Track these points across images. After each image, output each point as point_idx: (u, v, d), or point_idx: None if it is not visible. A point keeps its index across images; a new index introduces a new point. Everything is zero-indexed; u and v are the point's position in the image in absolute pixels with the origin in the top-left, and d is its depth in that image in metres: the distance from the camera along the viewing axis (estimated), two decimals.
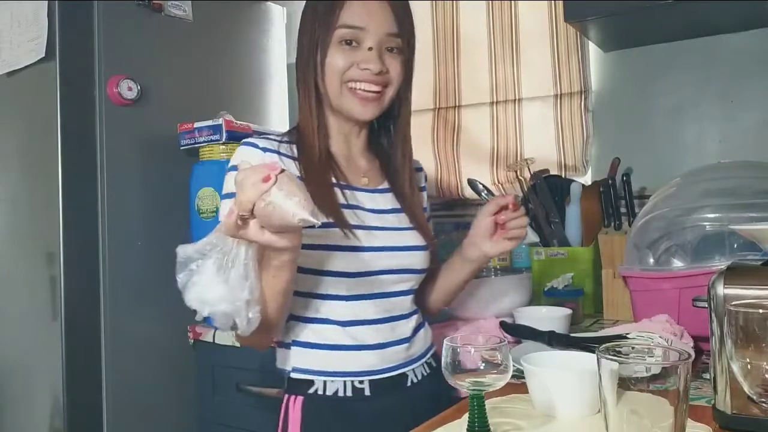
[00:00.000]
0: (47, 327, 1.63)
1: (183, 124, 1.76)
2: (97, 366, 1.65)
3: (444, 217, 2.08)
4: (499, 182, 1.99)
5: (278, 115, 2.21)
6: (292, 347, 1.04)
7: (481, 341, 0.76)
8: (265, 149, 1.03)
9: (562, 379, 0.84)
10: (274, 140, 1.07)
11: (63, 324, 1.60)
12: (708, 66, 1.71)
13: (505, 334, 1.24)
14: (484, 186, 1.90)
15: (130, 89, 1.69)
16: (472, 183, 1.92)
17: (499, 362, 0.73)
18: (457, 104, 2.08)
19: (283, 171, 0.75)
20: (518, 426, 0.82)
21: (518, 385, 0.90)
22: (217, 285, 0.80)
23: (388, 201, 1.12)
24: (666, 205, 1.30)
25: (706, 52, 1.71)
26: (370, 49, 1.03)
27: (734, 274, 0.79)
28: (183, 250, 0.83)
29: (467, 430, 0.75)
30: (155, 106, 1.77)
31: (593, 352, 0.65)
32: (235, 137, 1.70)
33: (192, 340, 1.75)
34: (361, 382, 1.03)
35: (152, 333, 1.74)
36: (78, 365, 1.62)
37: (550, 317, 1.33)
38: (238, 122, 1.72)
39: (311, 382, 1.03)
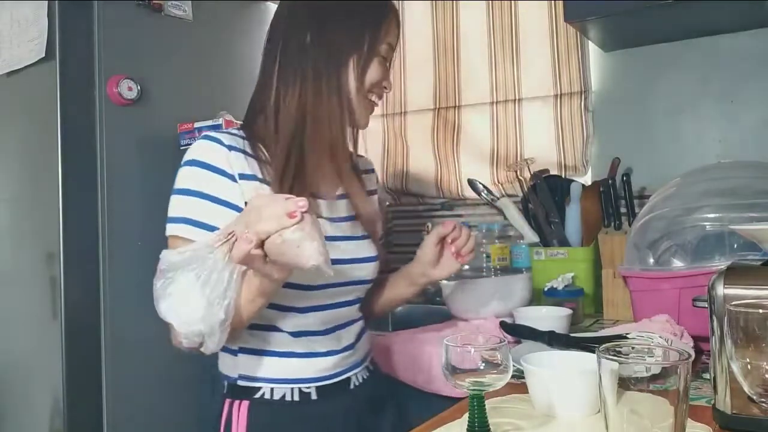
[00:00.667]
0: (47, 327, 1.63)
1: (183, 124, 1.76)
2: (97, 366, 1.65)
3: (444, 218, 2.08)
4: (499, 182, 1.99)
5: None
6: (239, 354, 1.02)
7: (481, 341, 0.76)
8: (230, 147, 0.97)
9: (562, 379, 0.84)
10: (237, 136, 1.01)
11: (63, 324, 1.60)
12: (708, 66, 1.71)
13: (505, 334, 1.24)
14: (484, 186, 1.91)
15: (130, 89, 1.69)
16: (472, 183, 1.92)
17: (499, 362, 0.73)
18: (457, 104, 2.08)
19: (307, 210, 0.74)
20: (518, 426, 0.82)
21: (518, 385, 0.90)
22: (196, 302, 0.78)
23: (343, 208, 1.09)
24: (666, 205, 1.30)
25: (706, 52, 1.71)
26: (389, 66, 1.06)
27: (734, 274, 0.79)
28: (167, 257, 0.80)
29: (467, 430, 0.75)
30: (155, 106, 1.77)
31: (593, 352, 0.65)
32: None
33: None
34: (308, 387, 1.02)
35: (152, 333, 1.72)
36: (78, 365, 1.62)
37: (550, 317, 1.33)
38: (238, 122, 1.72)
39: (257, 388, 1.01)
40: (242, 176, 0.96)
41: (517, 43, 1.97)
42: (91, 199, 1.66)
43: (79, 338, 1.62)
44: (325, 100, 0.99)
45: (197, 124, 1.72)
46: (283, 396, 1.01)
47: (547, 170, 1.85)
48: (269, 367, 1.01)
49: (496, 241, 1.89)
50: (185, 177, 0.97)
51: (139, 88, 1.71)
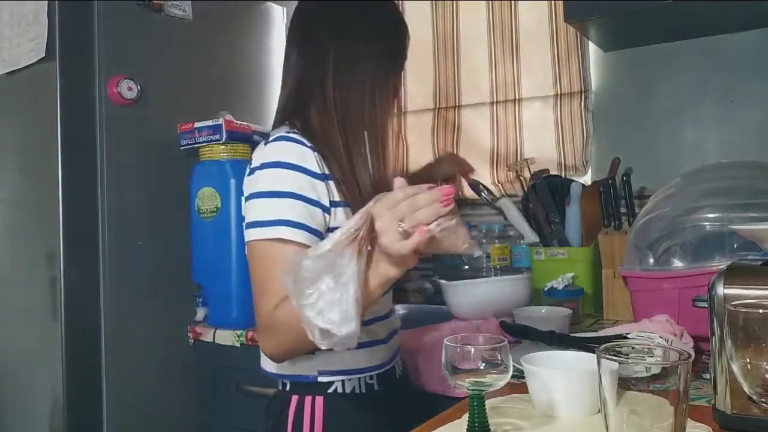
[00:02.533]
0: (47, 327, 1.63)
1: (183, 124, 1.76)
2: (97, 366, 1.65)
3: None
4: (499, 182, 1.99)
5: None
6: (316, 352, 1.02)
7: (481, 341, 0.76)
8: (312, 147, 0.97)
9: (562, 379, 0.84)
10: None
11: (63, 324, 1.60)
12: (708, 66, 1.71)
13: (505, 334, 1.24)
14: (484, 186, 1.91)
15: (130, 89, 1.69)
16: (472, 183, 1.92)
17: (499, 362, 0.73)
18: (457, 104, 2.08)
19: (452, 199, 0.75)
20: (518, 426, 0.82)
21: (518, 385, 0.90)
22: (343, 303, 0.77)
23: None
24: (666, 205, 1.30)
25: (706, 52, 1.71)
26: None
27: (734, 274, 0.79)
28: (308, 266, 0.77)
29: (467, 430, 0.75)
30: (155, 106, 1.77)
31: (593, 352, 0.65)
32: (235, 137, 1.70)
33: (192, 340, 1.75)
34: (371, 377, 1.07)
35: (152, 333, 1.74)
36: (78, 365, 1.62)
37: (550, 317, 1.33)
38: (238, 122, 1.72)
39: (329, 384, 1.04)
40: (325, 176, 0.98)
41: (517, 43, 1.97)
42: (91, 199, 1.66)
43: (79, 338, 1.62)
44: (382, 106, 1.04)
45: (197, 124, 1.72)
46: (353, 389, 1.06)
47: (547, 170, 1.84)
48: (343, 360, 1.04)
49: (496, 241, 1.89)
50: (274, 179, 0.95)
51: (139, 88, 1.71)
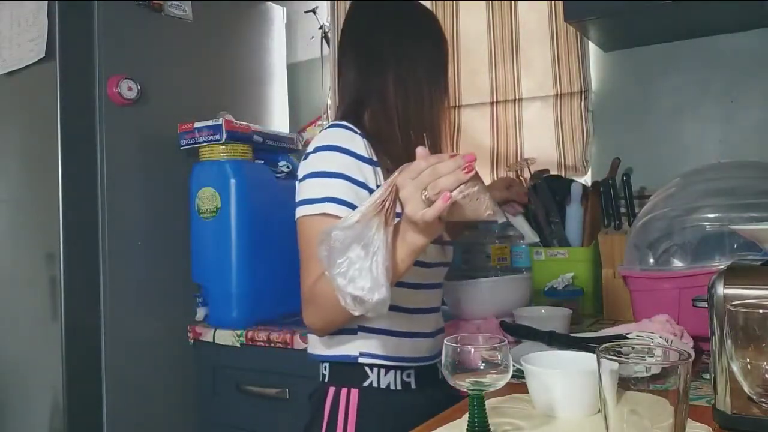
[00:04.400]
0: (47, 327, 1.63)
1: (183, 124, 1.76)
2: (97, 366, 1.65)
3: None
4: None
5: (278, 115, 2.21)
6: (358, 332, 1.05)
7: (481, 341, 0.76)
8: (362, 135, 1.02)
9: (562, 379, 0.84)
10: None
11: (63, 324, 1.60)
12: (708, 66, 1.71)
13: (505, 334, 1.24)
14: None
15: (130, 89, 1.69)
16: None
17: (499, 362, 0.73)
18: (457, 104, 2.08)
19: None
20: (518, 426, 0.82)
21: (518, 385, 0.90)
22: (374, 270, 0.79)
23: None
24: (666, 205, 1.30)
25: (706, 52, 1.71)
26: None
27: (734, 274, 0.79)
28: (337, 235, 0.80)
29: (467, 430, 0.75)
30: (155, 106, 1.77)
31: (593, 352, 0.65)
32: (235, 137, 1.70)
33: (192, 340, 1.75)
34: (408, 375, 1.09)
35: (152, 333, 1.74)
36: (78, 365, 1.62)
37: (550, 317, 1.33)
38: (238, 122, 1.72)
39: (365, 375, 1.06)
40: (373, 162, 1.02)
41: (517, 43, 1.97)
42: (91, 199, 1.66)
43: (79, 338, 1.63)
44: (438, 106, 1.11)
45: (197, 124, 1.72)
46: (389, 385, 1.07)
47: (547, 170, 1.84)
48: (386, 345, 1.06)
49: (496, 241, 1.89)
50: (325, 160, 1.00)
51: (139, 88, 1.71)
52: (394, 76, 1.08)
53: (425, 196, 0.76)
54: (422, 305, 1.10)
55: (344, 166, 0.99)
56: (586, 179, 1.85)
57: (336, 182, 0.98)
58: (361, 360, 1.06)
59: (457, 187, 0.75)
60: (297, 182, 1.03)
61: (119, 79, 1.67)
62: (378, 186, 1.00)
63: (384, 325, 1.06)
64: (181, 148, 1.77)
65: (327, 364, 1.09)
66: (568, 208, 1.71)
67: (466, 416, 0.77)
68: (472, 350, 0.73)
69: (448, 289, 1.54)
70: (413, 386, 1.09)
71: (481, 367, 0.73)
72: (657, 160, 1.76)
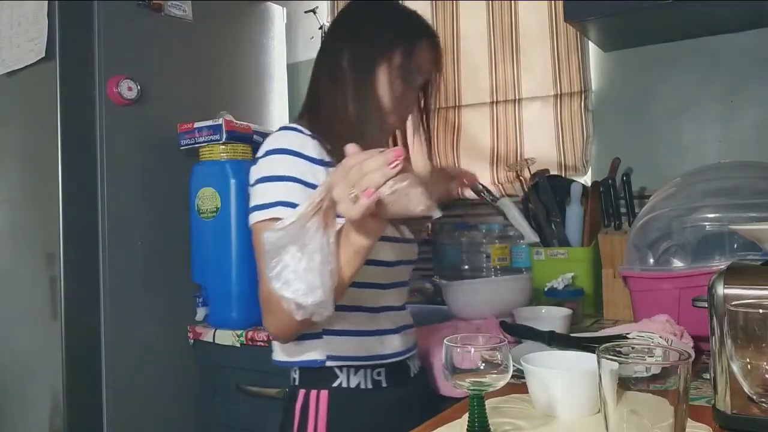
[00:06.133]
0: (47, 327, 1.63)
1: (183, 124, 1.76)
2: (97, 366, 1.65)
3: (444, 217, 2.08)
4: (499, 182, 1.99)
5: (278, 115, 2.21)
6: (323, 336, 1.05)
7: (481, 341, 0.76)
8: (312, 135, 1.02)
9: (562, 379, 0.84)
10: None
11: (63, 324, 1.60)
12: (708, 66, 1.71)
13: (505, 334, 1.24)
14: (483, 186, 1.90)
15: (130, 89, 1.69)
16: (474, 187, 1.92)
17: (499, 362, 0.73)
18: (457, 104, 2.08)
19: (405, 161, 0.74)
20: (518, 426, 0.82)
21: (518, 385, 0.90)
22: (310, 273, 0.78)
23: None
24: (666, 205, 1.30)
25: (706, 52, 1.71)
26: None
27: (734, 274, 0.79)
28: (270, 239, 0.78)
29: (467, 430, 0.75)
30: (155, 106, 1.77)
31: (593, 352, 0.65)
32: (235, 137, 1.70)
33: (192, 340, 1.75)
34: (378, 373, 1.08)
35: (152, 333, 1.74)
36: (78, 365, 1.62)
37: (550, 317, 1.33)
38: (238, 122, 1.72)
39: (334, 376, 1.06)
40: (324, 162, 1.01)
41: (517, 43, 1.97)
42: (91, 199, 1.66)
43: (79, 338, 1.62)
44: (352, 104, 1.05)
45: (197, 124, 1.72)
46: (358, 384, 1.06)
47: (547, 170, 1.84)
48: (352, 346, 1.06)
49: (496, 241, 1.89)
50: (273, 164, 0.99)
51: (139, 88, 1.71)
52: (350, 77, 1.06)
53: (352, 194, 0.74)
54: (388, 304, 1.10)
55: (295, 169, 0.98)
56: (586, 179, 1.85)
57: (287, 185, 0.97)
58: (329, 363, 1.05)
59: (385, 182, 0.73)
60: (249, 187, 1.02)
61: (119, 79, 1.67)
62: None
63: (349, 326, 1.05)
64: (181, 148, 1.77)
65: (297, 369, 1.08)
66: (568, 208, 1.71)
67: (466, 416, 0.77)
68: (472, 350, 0.73)
69: (448, 289, 1.54)
70: (384, 384, 1.09)
71: (481, 367, 0.73)
72: (657, 160, 1.76)
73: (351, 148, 0.77)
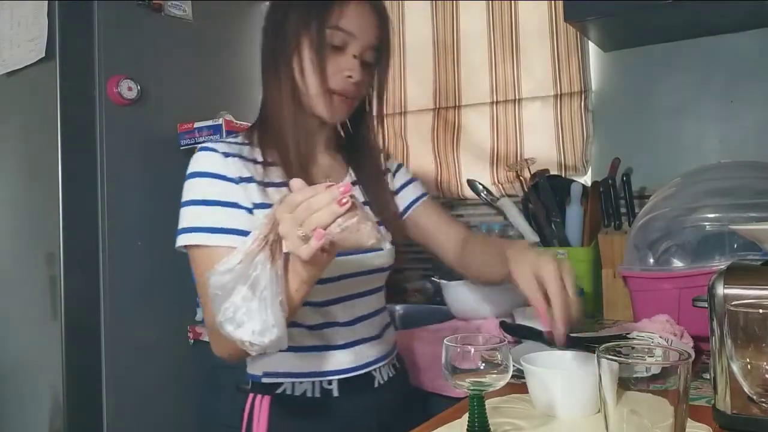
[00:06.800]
0: (47, 327, 1.63)
1: (183, 124, 1.76)
2: (97, 366, 1.65)
3: None
4: (499, 182, 1.99)
5: None
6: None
7: (481, 341, 0.76)
8: (226, 154, 0.99)
9: (562, 379, 0.84)
10: (235, 143, 1.03)
11: (63, 324, 1.60)
12: (708, 66, 1.71)
13: (505, 334, 1.24)
14: (483, 186, 1.91)
15: (130, 89, 1.69)
16: (471, 183, 1.92)
17: (499, 362, 0.73)
18: (457, 104, 2.08)
19: (353, 195, 0.73)
20: (518, 426, 0.82)
21: (518, 385, 0.90)
22: (262, 311, 0.77)
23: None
24: (666, 205, 1.30)
25: (706, 52, 1.71)
26: (354, 56, 1.00)
27: (734, 274, 0.79)
28: (217, 282, 0.77)
29: (467, 430, 0.75)
30: (155, 106, 1.77)
31: (593, 352, 0.65)
32: None
33: (192, 340, 1.75)
34: (329, 383, 1.03)
35: (152, 333, 1.74)
36: (78, 365, 1.62)
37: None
38: (238, 122, 1.72)
39: (280, 384, 1.03)
40: (242, 179, 0.98)
41: (517, 43, 1.97)
42: (91, 199, 1.66)
43: (79, 338, 1.62)
44: (279, 94, 1.02)
45: (197, 124, 1.73)
46: (305, 392, 1.02)
47: (547, 170, 1.84)
48: (291, 363, 1.03)
49: None
50: (190, 189, 0.99)
51: (139, 88, 1.71)
52: (275, 71, 1.03)
53: (301, 232, 0.72)
54: (332, 320, 1.04)
55: (208, 190, 0.97)
56: (586, 179, 1.85)
57: (202, 209, 0.96)
58: (264, 380, 1.04)
59: (334, 220, 0.72)
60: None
61: (119, 79, 1.67)
62: (254, 204, 0.97)
63: (314, 341, 1.02)
64: (181, 148, 1.77)
65: (250, 380, 1.08)
66: (568, 208, 1.71)
67: (466, 416, 0.77)
68: (472, 350, 0.73)
69: (448, 289, 1.54)
70: (336, 394, 1.03)
71: (481, 367, 0.73)
72: (657, 160, 1.76)
73: (296, 183, 0.75)
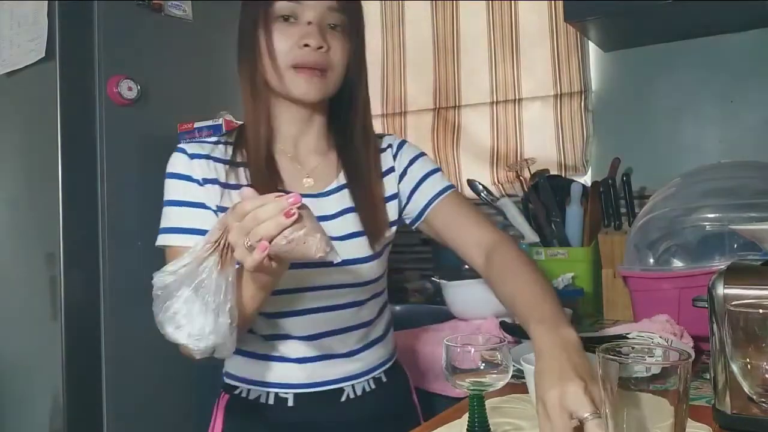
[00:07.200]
0: (47, 327, 1.63)
1: (183, 124, 1.76)
2: (97, 366, 1.65)
3: None
4: (499, 182, 2.00)
5: None
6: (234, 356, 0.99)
7: (481, 341, 0.76)
8: (192, 155, 0.99)
9: None
10: (208, 143, 1.03)
11: (63, 324, 1.60)
12: (708, 66, 1.71)
13: (505, 334, 1.24)
14: (483, 186, 1.91)
15: (130, 89, 1.69)
16: (471, 183, 1.92)
17: (499, 362, 0.73)
18: (457, 104, 2.08)
19: (304, 206, 0.72)
20: (518, 426, 0.82)
21: (518, 385, 0.90)
22: (202, 316, 0.77)
23: (335, 203, 1.02)
24: (666, 205, 1.30)
25: (706, 52, 1.71)
26: (309, 23, 0.95)
27: (734, 274, 0.79)
28: (160, 281, 0.78)
29: (467, 430, 0.75)
30: (155, 106, 1.77)
31: (593, 352, 0.65)
32: None
33: None
34: (285, 393, 1.00)
35: (152, 333, 1.73)
36: (78, 365, 1.62)
37: None
38: (238, 122, 1.72)
39: (236, 386, 1.04)
40: (206, 180, 0.98)
41: (517, 43, 1.97)
42: (91, 200, 1.66)
43: (79, 338, 1.62)
44: (244, 90, 1.05)
45: (197, 124, 1.72)
46: (258, 397, 1.01)
47: (547, 170, 1.84)
48: (245, 368, 1.02)
49: None
50: (169, 188, 0.99)
51: (139, 88, 1.71)
52: (242, 78, 1.06)
53: (247, 243, 0.71)
54: (286, 332, 0.99)
55: (174, 191, 0.98)
56: (586, 179, 1.85)
57: (172, 210, 0.97)
58: (226, 380, 1.05)
59: (281, 232, 0.71)
60: None
61: (119, 79, 1.67)
62: (218, 207, 0.96)
63: (241, 345, 0.97)
64: None
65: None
66: (568, 208, 1.71)
67: (466, 416, 0.77)
68: (472, 350, 0.73)
69: (448, 289, 1.54)
70: (291, 404, 0.99)
71: (481, 367, 0.73)
72: (657, 160, 1.76)
73: (247, 191, 0.75)
